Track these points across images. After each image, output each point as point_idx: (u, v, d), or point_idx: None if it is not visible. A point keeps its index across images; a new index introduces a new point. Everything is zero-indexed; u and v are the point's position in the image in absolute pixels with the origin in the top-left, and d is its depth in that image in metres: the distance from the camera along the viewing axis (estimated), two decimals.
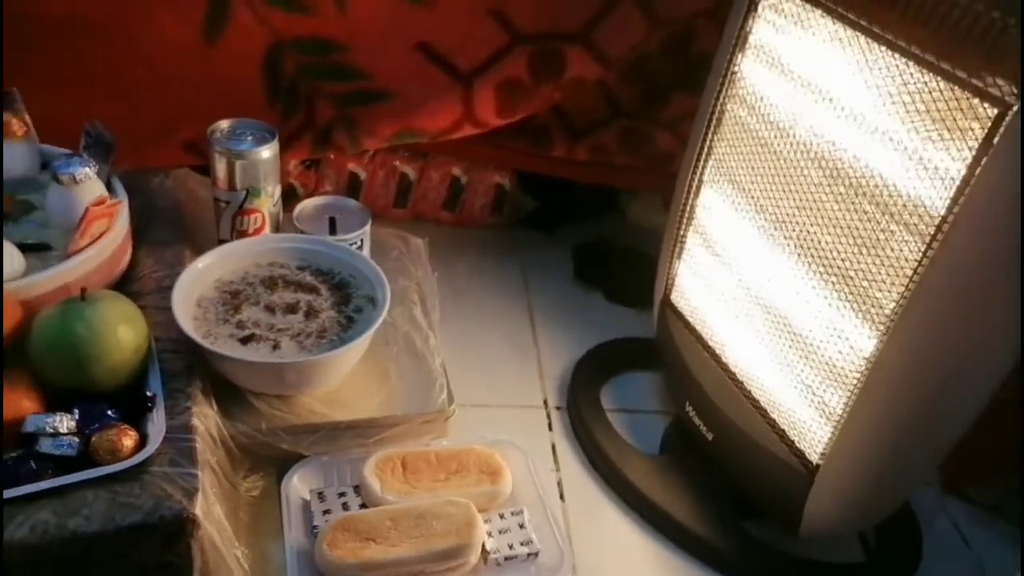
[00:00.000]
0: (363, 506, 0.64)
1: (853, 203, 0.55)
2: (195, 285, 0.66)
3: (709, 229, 0.70)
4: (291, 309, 0.66)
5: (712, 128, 0.66)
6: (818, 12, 0.55)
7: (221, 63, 0.80)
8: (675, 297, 0.76)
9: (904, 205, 0.52)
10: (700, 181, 0.69)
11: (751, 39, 0.61)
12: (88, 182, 0.65)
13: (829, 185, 0.56)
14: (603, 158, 0.90)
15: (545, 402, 0.83)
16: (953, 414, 0.57)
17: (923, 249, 0.50)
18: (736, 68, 0.63)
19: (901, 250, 0.52)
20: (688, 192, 0.70)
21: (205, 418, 0.60)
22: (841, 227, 0.56)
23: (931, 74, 0.48)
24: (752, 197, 0.64)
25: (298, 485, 0.65)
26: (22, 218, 0.66)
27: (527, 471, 0.68)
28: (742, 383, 0.68)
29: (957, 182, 0.48)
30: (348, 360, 0.65)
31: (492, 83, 0.82)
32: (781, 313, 0.63)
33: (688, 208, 0.71)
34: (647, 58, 0.83)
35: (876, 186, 0.53)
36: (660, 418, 0.80)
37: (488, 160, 0.96)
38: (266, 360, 0.62)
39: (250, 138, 0.69)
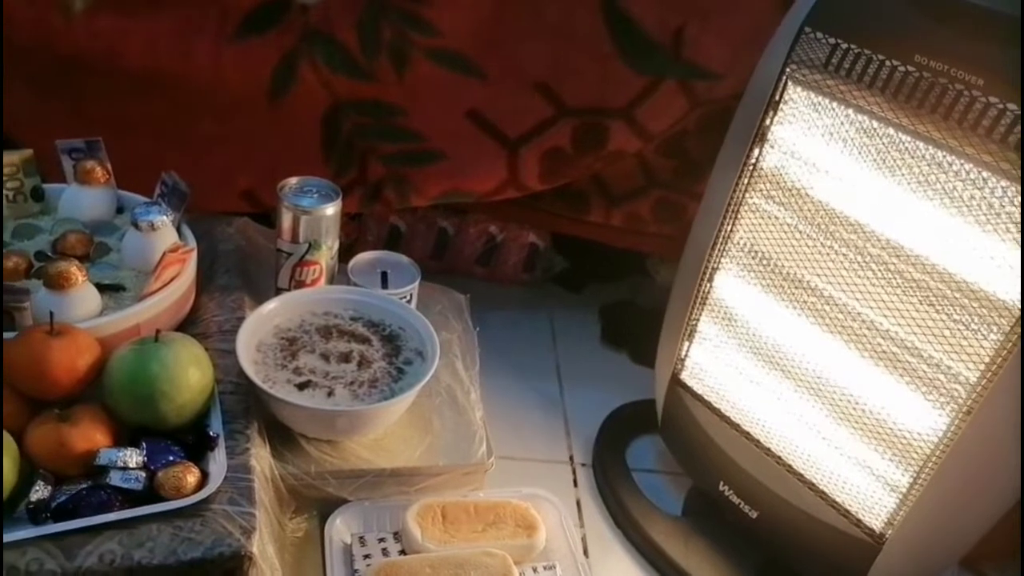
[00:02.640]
0: (402, 552, 0.66)
1: (919, 290, 0.57)
2: (257, 331, 0.69)
3: (732, 312, 0.71)
4: (345, 358, 0.69)
5: (731, 216, 0.68)
6: (847, 109, 0.59)
7: (283, 120, 0.85)
8: (686, 376, 0.76)
9: (976, 295, 0.55)
10: (716, 267, 0.71)
11: (773, 132, 0.64)
12: (163, 229, 0.69)
13: (888, 272, 0.59)
14: (637, 226, 0.95)
15: (571, 458, 0.85)
16: (1011, 488, 0.60)
17: (1002, 341, 0.53)
18: (760, 160, 0.65)
19: (977, 339, 0.55)
20: (702, 277, 0.71)
21: (261, 459, 0.63)
22: (902, 313, 0.58)
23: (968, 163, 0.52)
24: (789, 282, 0.66)
25: (341, 528, 0.67)
26: (99, 259, 0.70)
27: (560, 526, 0.71)
28: (785, 460, 0.69)
29: None
30: (398, 410, 0.69)
31: (537, 151, 0.87)
32: (830, 394, 0.65)
33: (701, 292, 0.72)
34: (684, 134, 0.88)
35: (942, 275, 0.56)
36: (683, 480, 0.83)
37: (525, 220, 1.01)
38: (322, 407, 0.65)
39: (316, 195, 0.73)
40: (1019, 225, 0.52)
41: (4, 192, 0.71)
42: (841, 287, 0.62)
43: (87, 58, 0.79)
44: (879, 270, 0.60)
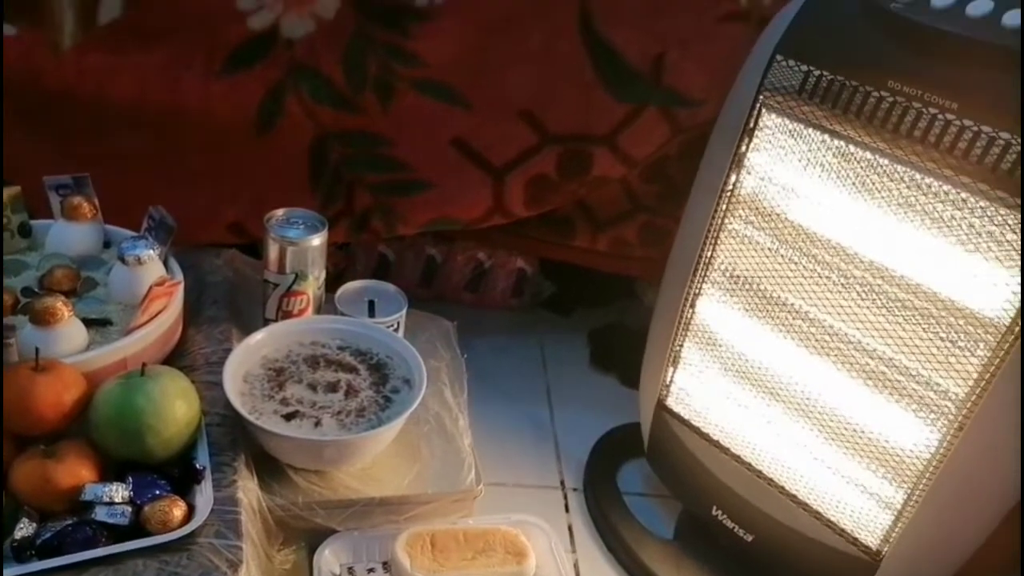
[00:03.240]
0: None
1: (904, 310, 0.58)
2: (244, 362, 0.70)
3: (717, 337, 0.72)
4: (332, 388, 0.69)
5: (711, 242, 0.68)
6: (822, 134, 0.60)
7: (270, 152, 0.86)
8: (672, 402, 0.76)
9: (962, 313, 0.55)
10: (698, 292, 0.71)
11: (750, 158, 0.64)
12: (150, 263, 0.70)
13: (873, 292, 0.59)
14: (623, 250, 0.96)
15: (562, 483, 0.85)
16: (1006, 499, 0.60)
17: (990, 357, 0.54)
18: (737, 186, 0.66)
19: (964, 355, 0.55)
20: (684, 302, 0.72)
21: (248, 491, 0.63)
22: (889, 332, 0.59)
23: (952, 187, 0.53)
24: (774, 305, 0.66)
25: (329, 559, 0.67)
26: (85, 294, 0.71)
27: (550, 552, 0.71)
28: (778, 482, 0.69)
29: (1020, 295, 0.52)
30: (385, 439, 0.69)
31: (522, 178, 0.88)
32: (819, 415, 0.65)
33: (684, 318, 0.73)
34: (667, 159, 0.89)
35: (927, 294, 0.57)
36: (675, 503, 0.82)
37: (512, 246, 1.02)
38: (309, 437, 0.65)
39: (302, 226, 0.74)
40: (1003, 245, 0.53)
41: None
42: (826, 309, 0.63)
43: (76, 94, 0.80)
44: (863, 291, 0.60)
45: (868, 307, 0.60)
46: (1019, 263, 0.52)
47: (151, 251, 0.69)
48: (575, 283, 1.07)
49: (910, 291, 0.58)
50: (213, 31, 0.80)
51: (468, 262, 1.04)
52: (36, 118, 0.82)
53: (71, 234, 0.74)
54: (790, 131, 0.61)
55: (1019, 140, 0.50)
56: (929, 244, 0.56)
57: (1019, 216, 0.51)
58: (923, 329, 0.58)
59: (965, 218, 0.54)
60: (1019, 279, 0.52)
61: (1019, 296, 0.52)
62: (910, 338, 0.58)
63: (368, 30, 0.81)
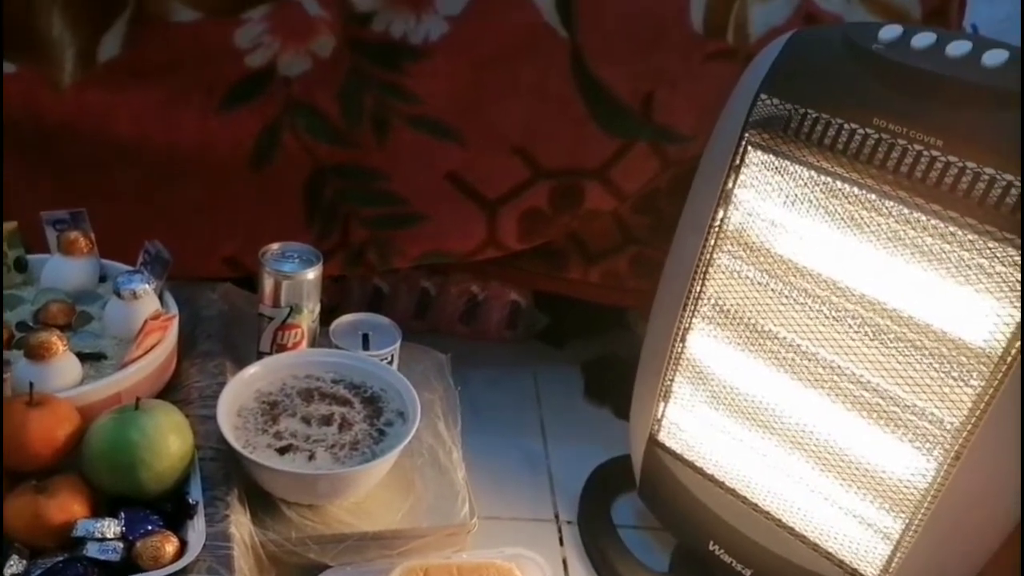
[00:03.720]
0: None
1: (898, 342, 0.59)
2: (238, 396, 0.70)
3: (709, 371, 0.72)
4: (326, 421, 0.70)
5: (700, 277, 0.69)
6: (809, 170, 0.61)
7: (266, 186, 0.87)
8: (664, 437, 0.76)
9: (955, 344, 0.56)
10: (688, 327, 0.71)
11: (737, 195, 0.65)
12: (146, 297, 0.70)
13: (865, 325, 0.60)
14: (615, 281, 0.97)
15: (556, 516, 0.85)
16: (1004, 524, 0.60)
17: (984, 386, 0.55)
18: (725, 221, 0.67)
19: (959, 385, 0.56)
20: (675, 338, 0.72)
21: (241, 526, 0.63)
22: (883, 364, 0.60)
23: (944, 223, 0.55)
24: (766, 339, 0.67)
25: None
26: (80, 328, 0.71)
27: None
28: (775, 515, 0.69)
29: (1011, 326, 0.53)
30: (379, 472, 0.69)
31: (515, 211, 0.89)
32: (815, 447, 0.66)
33: (674, 352, 0.73)
34: (657, 193, 0.90)
35: (919, 326, 0.58)
36: (669, 536, 0.82)
37: (506, 279, 1.02)
38: (303, 471, 0.65)
39: (296, 260, 0.75)
40: (993, 277, 0.54)
41: None
42: (819, 341, 0.64)
43: (75, 131, 0.80)
44: (855, 324, 0.61)
45: (861, 339, 0.61)
46: (1009, 294, 0.53)
47: (146, 285, 0.70)
48: (568, 315, 1.08)
49: (902, 323, 0.59)
50: (211, 69, 0.81)
51: (462, 294, 1.04)
52: (35, 154, 0.82)
53: (67, 269, 0.74)
54: (776, 167, 0.62)
55: (1004, 175, 0.52)
56: (920, 277, 0.57)
57: (1008, 249, 0.52)
58: (916, 360, 0.58)
59: (954, 251, 0.55)
60: (1010, 310, 0.53)
61: (1012, 326, 0.53)
62: (904, 369, 0.59)
63: (364, 68, 0.82)
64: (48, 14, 0.78)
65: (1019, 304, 0.53)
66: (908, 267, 0.58)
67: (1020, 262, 0.52)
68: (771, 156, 0.62)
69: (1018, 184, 0.52)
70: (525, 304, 1.06)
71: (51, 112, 0.80)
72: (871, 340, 0.60)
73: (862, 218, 0.59)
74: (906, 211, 0.56)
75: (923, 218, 0.56)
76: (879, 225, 0.58)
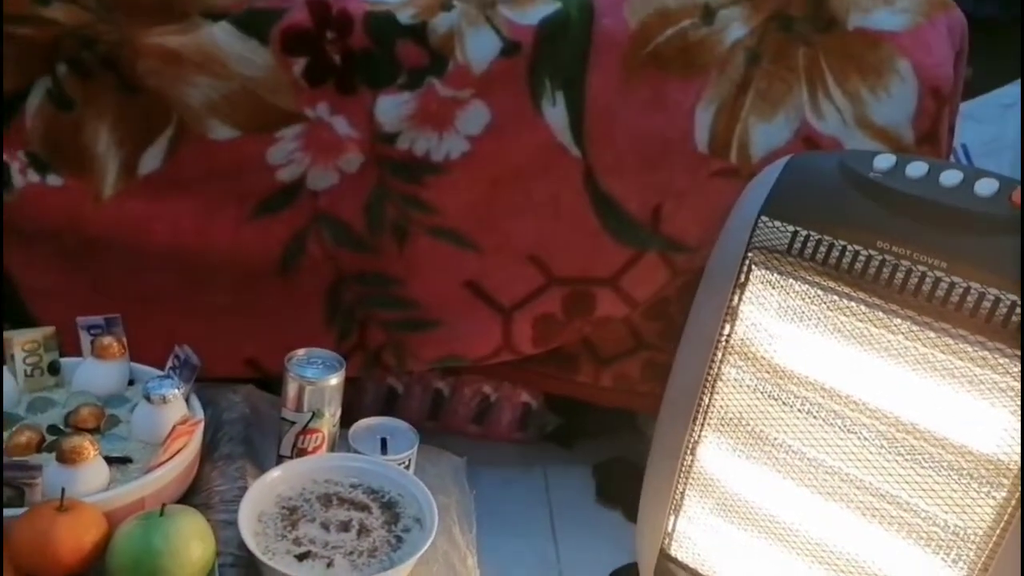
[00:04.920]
0: None
1: (916, 454, 0.60)
2: (259, 501, 0.71)
3: (721, 484, 0.72)
4: (344, 527, 0.70)
5: (708, 389, 0.71)
6: (815, 288, 0.64)
7: (289, 291, 0.90)
8: (677, 550, 0.76)
9: (975, 457, 0.58)
10: (698, 439, 0.72)
11: (743, 311, 0.68)
12: (174, 402, 0.72)
13: (883, 438, 0.62)
14: (626, 385, 0.98)
15: None
16: None
17: (1006, 497, 0.56)
18: (732, 335, 0.69)
19: (982, 497, 0.57)
20: (684, 450, 0.73)
21: None
22: (904, 477, 0.61)
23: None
24: (781, 452, 0.68)
25: None
26: (108, 431, 0.73)
27: None
28: None
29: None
30: None
31: (529, 317, 0.92)
32: (836, 560, 0.66)
33: (684, 465, 0.74)
34: (667, 300, 0.93)
35: (938, 440, 0.59)
36: None
37: (518, 380, 1.04)
38: None
39: (320, 366, 0.77)
40: (1007, 392, 0.56)
41: (23, 367, 0.74)
42: (837, 455, 0.65)
43: (113, 239, 0.85)
44: (873, 437, 0.63)
45: (879, 452, 0.62)
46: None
47: (176, 391, 0.72)
48: (579, 416, 1.09)
49: (920, 436, 0.61)
50: (245, 181, 0.86)
51: (474, 395, 1.06)
52: (73, 260, 0.86)
53: (99, 372, 0.77)
54: (782, 286, 0.65)
55: (1008, 296, 0.55)
56: (933, 390, 0.59)
57: (1017, 365, 0.55)
58: (935, 472, 0.60)
59: (965, 366, 0.58)
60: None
61: None
62: (924, 481, 0.60)
63: (387, 181, 0.87)
64: (96, 131, 0.83)
65: None
66: (921, 381, 0.60)
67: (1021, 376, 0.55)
68: (776, 275, 0.65)
69: (1020, 304, 0.55)
70: (536, 405, 1.07)
71: (92, 222, 0.85)
72: (889, 453, 0.62)
73: (871, 334, 0.61)
74: (915, 328, 0.59)
75: (932, 335, 0.58)
76: (888, 341, 0.61)
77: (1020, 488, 0.56)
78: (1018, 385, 0.56)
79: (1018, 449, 0.56)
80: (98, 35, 0.80)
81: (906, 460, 0.61)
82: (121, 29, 0.80)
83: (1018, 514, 0.56)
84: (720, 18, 0.84)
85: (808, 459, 0.67)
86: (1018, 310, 0.55)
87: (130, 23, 0.80)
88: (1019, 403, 0.56)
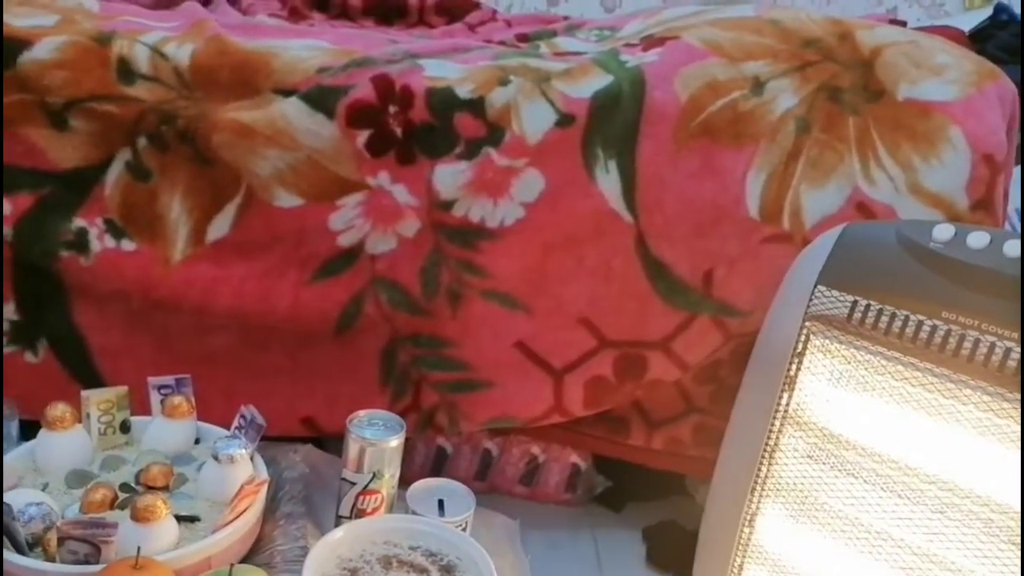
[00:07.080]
0: None
1: (977, 521, 0.60)
2: (322, 562, 0.71)
3: (780, 557, 0.72)
4: None
5: (767, 459, 0.71)
6: (876, 357, 0.64)
7: (346, 352, 0.92)
8: None
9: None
10: (756, 511, 0.72)
11: (801, 380, 0.68)
12: (241, 461, 0.74)
13: (942, 504, 0.62)
14: (677, 449, 0.98)
15: None
16: None
17: None
18: (790, 405, 0.69)
19: None
20: (742, 522, 0.73)
21: None
22: (966, 544, 0.60)
23: None
24: (842, 522, 0.67)
25: None
26: (176, 490, 0.75)
27: None
28: None
29: None
30: None
31: (580, 379, 0.93)
32: None
33: (742, 537, 0.73)
34: (719, 363, 0.94)
35: (1001, 507, 0.59)
36: None
37: (567, 441, 1.05)
38: None
39: (381, 427, 0.79)
40: None
41: (98, 425, 0.77)
42: (898, 524, 0.64)
43: (180, 302, 0.88)
44: (934, 504, 0.62)
45: (939, 519, 0.62)
46: None
47: (243, 451, 0.74)
48: (628, 479, 1.08)
49: (982, 503, 0.60)
50: (307, 246, 0.89)
51: (523, 456, 1.06)
52: (141, 322, 0.90)
53: (168, 431, 0.79)
54: (843, 355, 0.66)
55: None
56: (1005, 459, 0.59)
57: None
58: (996, 541, 0.59)
59: None
60: None
61: None
62: (985, 548, 0.59)
63: (444, 247, 0.90)
64: (170, 200, 0.88)
65: None
66: (1002, 450, 0.59)
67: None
68: (836, 344, 0.66)
69: None
70: (585, 467, 1.07)
71: (160, 285, 0.88)
72: (947, 519, 0.61)
73: (938, 403, 0.61)
74: (987, 399, 0.59)
75: (1006, 406, 0.58)
76: (959, 411, 0.61)
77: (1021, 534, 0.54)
78: None
79: None
80: (177, 111, 0.85)
81: (966, 526, 0.61)
82: (199, 105, 0.85)
83: None
84: (769, 89, 0.86)
85: (872, 530, 0.66)
86: None
87: (208, 99, 0.85)
88: None
